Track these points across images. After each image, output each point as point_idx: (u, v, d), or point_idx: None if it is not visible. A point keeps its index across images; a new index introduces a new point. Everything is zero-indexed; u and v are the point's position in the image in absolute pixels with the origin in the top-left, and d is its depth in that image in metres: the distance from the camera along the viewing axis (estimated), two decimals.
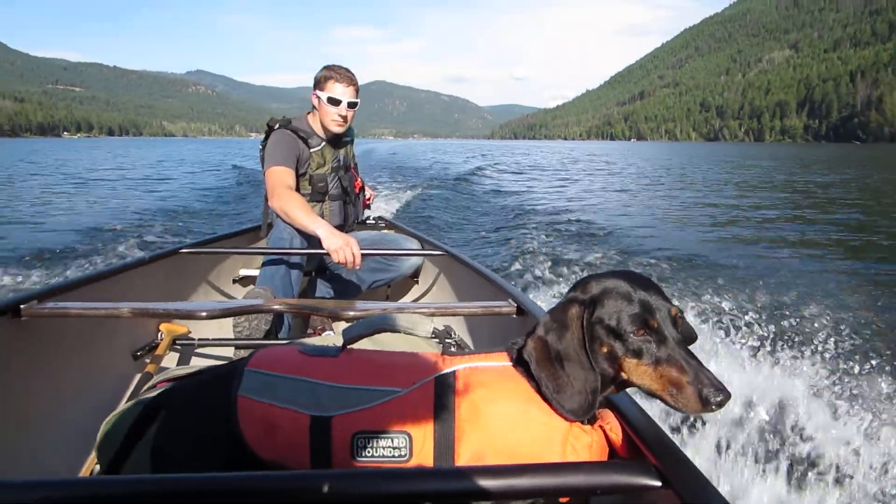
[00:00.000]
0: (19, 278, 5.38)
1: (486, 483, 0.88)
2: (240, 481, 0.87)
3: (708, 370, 0.95)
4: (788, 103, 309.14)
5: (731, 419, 2.63)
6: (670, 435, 1.04)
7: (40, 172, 24.31)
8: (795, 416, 2.64)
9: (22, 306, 1.88)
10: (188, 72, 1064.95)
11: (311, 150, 3.04)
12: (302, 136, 3.01)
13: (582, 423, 1.05)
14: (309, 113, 3.15)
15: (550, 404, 1.03)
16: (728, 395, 0.92)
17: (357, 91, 3.05)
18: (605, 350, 1.02)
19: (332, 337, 1.92)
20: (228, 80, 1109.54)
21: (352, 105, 3.02)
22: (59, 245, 7.10)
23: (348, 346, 1.19)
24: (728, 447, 2.51)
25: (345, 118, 3.02)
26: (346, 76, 3.00)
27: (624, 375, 1.02)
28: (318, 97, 3.02)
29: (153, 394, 1.22)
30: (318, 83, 3.02)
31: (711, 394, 0.91)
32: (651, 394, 1.00)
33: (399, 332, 1.20)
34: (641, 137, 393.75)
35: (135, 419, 1.15)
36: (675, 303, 1.05)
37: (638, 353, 0.99)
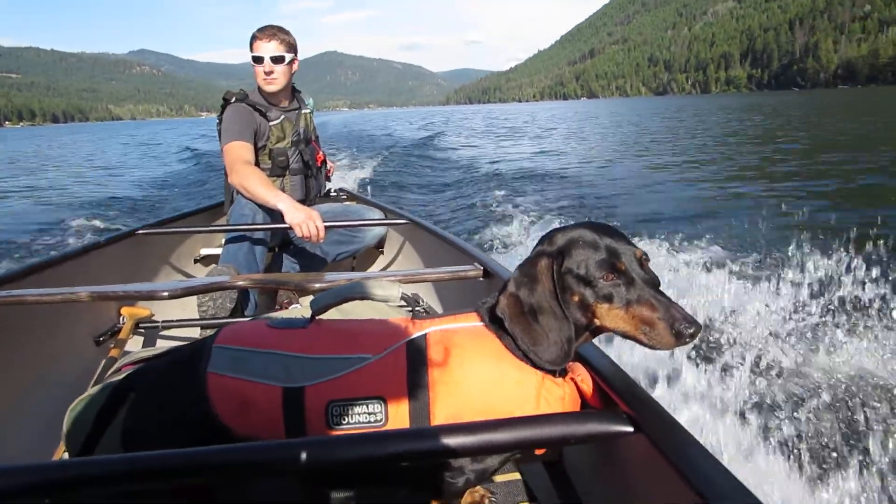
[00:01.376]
0: None
1: (463, 440, 0.89)
2: (218, 454, 0.86)
3: (678, 305, 0.97)
4: (732, 54, 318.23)
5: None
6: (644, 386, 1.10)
7: None
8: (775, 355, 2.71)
9: None
10: (131, 52, 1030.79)
11: (271, 123, 2.95)
12: (259, 109, 2.92)
13: (554, 375, 1.07)
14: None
15: (523, 360, 1.06)
16: (699, 327, 0.95)
17: (285, 45, 2.95)
18: (576, 299, 1.03)
19: (299, 310, 1.93)
20: (174, 58, 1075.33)
21: (276, 59, 2.91)
22: (9, 236, 6.94)
23: (317, 318, 1.18)
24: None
25: (271, 73, 2.92)
26: (268, 32, 2.93)
27: (597, 322, 1.03)
28: (251, 60, 2.96)
29: (119, 377, 1.21)
30: (250, 47, 2.96)
31: (683, 327, 0.93)
32: (625, 335, 1.01)
33: (367, 298, 1.19)
34: (593, 95, 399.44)
35: (102, 404, 1.14)
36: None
37: (608, 298, 1.00)
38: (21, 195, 12.27)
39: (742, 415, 2.42)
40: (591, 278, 1.01)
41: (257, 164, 2.90)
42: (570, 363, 1.12)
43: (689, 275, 3.80)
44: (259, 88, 2.99)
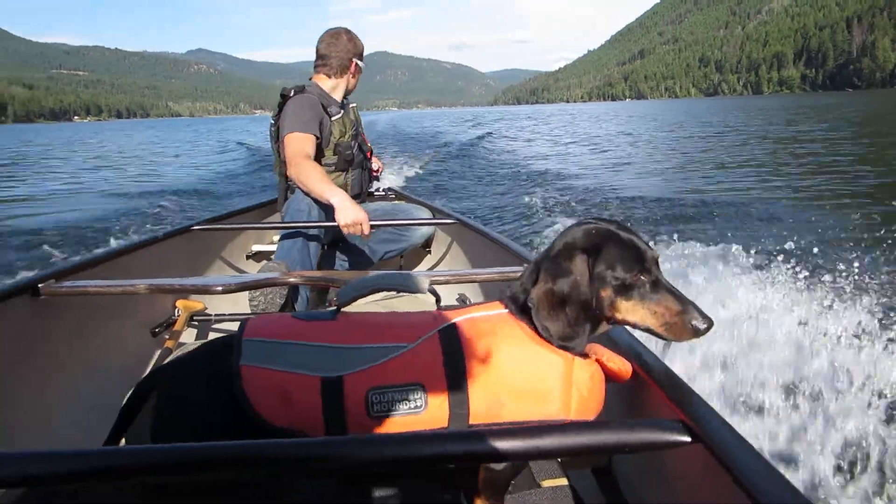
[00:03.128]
0: (37, 259, 5.49)
1: (512, 445, 0.88)
2: (266, 448, 0.86)
3: (693, 302, 1.07)
4: (786, 54, 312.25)
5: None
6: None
7: (53, 157, 25.35)
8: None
9: (40, 285, 1.89)
10: (189, 51, 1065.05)
11: (333, 118, 2.96)
12: (322, 102, 2.93)
13: (574, 355, 1.11)
14: (315, 78, 3.06)
15: (549, 342, 1.10)
16: (711, 322, 1.04)
17: None
18: (605, 293, 1.09)
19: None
20: (229, 57, 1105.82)
21: None
22: (75, 226, 7.19)
23: (343, 310, 1.19)
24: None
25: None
26: None
27: (618, 315, 1.10)
28: (357, 64, 3.08)
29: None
30: (361, 52, 3.09)
31: (699, 322, 1.04)
32: (646, 329, 1.09)
33: (393, 290, 1.20)
34: (641, 96, 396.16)
35: (137, 395, 1.14)
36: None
37: (637, 296, 1.08)
38: (86, 188, 12.67)
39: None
40: (623, 276, 1.08)
41: (320, 158, 2.91)
42: (589, 345, 1.18)
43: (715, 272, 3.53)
44: (327, 86, 3.02)
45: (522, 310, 1.14)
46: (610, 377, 1.17)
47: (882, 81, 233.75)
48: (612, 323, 1.14)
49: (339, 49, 3.02)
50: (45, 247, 6.05)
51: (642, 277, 1.08)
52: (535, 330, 1.11)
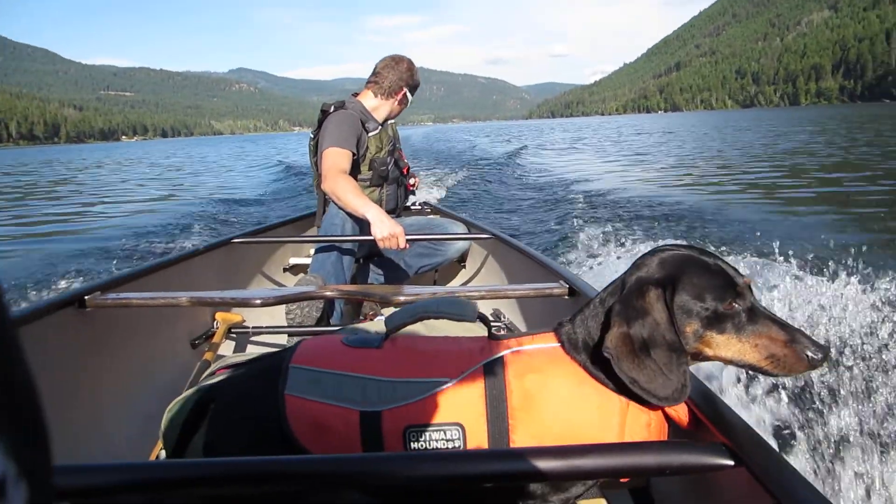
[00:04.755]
0: (83, 271, 5.60)
1: (550, 464, 0.86)
2: (298, 464, 0.87)
3: (801, 330, 0.95)
4: (823, 66, 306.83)
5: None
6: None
7: (97, 176, 25.63)
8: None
9: (86, 297, 1.94)
10: (230, 70, 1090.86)
11: (370, 133, 2.99)
12: (361, 118, 2.96)
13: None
14: (361, 94, 3.12)
15: (605, 384, 1.02)
16: (827, 351, 0.92)
17: None
18: (690, 329, 0.98)
19: (382, 322, 1.71)
20: (269, 75, 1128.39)
21: None
22: (118, 240, 7.28)
23: (392, 335, 1.17)
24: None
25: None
26: None
27: (709, 352, 0.99)
28: (406, 96, 3.16)
29: (211, 381, 1.26)
30: (415, 86, 3.21)
31: (812, 352, 0.91)
32: (746, 365, 0.97)
33: (441, 318, 1.17)
34: (677, 108, 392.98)
35: (191, 409, 1.19)
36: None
37: (731, 328, 0.96)
38: (129, 203, 13.08)
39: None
40: (710, 308, 0.96)
41: (355, 174, 2.92)
42: None
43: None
44: (369, 105, 3.06)
45: (577, 348, 1.06)
46: (672, 423, 1.08)
47: None
48: (701, 360, 1.04)
49: (396, 73, 3.12)
50: (93, 260, 6.21)
51: (735, 305, 0.96)
52: (585, 367, 1.04)
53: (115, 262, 6.05)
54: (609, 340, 0.99)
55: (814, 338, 0.93)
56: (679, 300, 0.98)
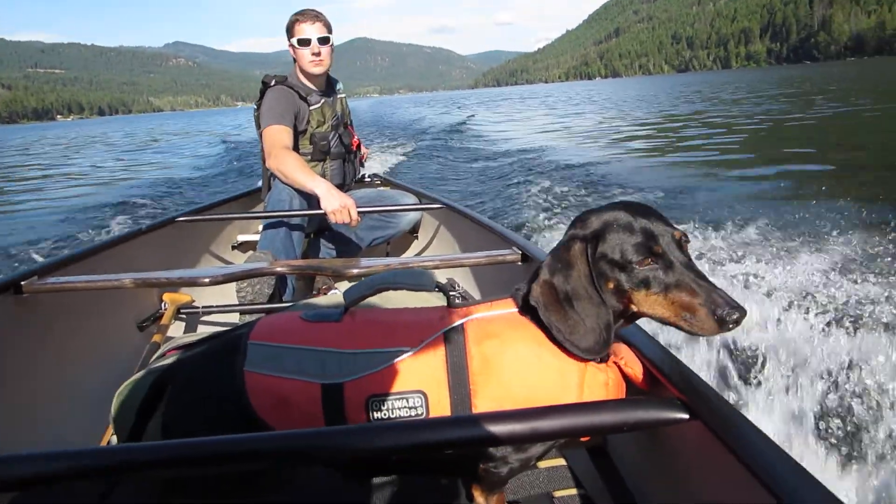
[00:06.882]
0: (20, 257, 5.46)
1: (510, 427, 0.87)
2: (263, 441, 0.86)
3: (720, 289, 0.91)
4: (752, 29, 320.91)
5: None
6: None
7: (30, 155, 25.35)
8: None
9: (23, 283, 1.87)
10: (166, 44, 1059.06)
11: (311, 107, 2.91)
12: (300, 92, 2.89)
13: (596, 361, 1.04)
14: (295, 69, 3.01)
15: (562, 347, 1.01)
16: (744, 312, 0.89)
17: (327, 27, 2.94)
18: (611, 285, 0.99)
19: (337, 295, 1.72)
20: (208, 49, 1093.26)
21: (323, 41, 2.90)
22: (55, 223, 7.10)
23: (350, 309, 1.16)
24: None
25: (318, 55, 2.90)
26: (311, 14, 2.92)
27: (634, 308, 0.99)
28: (292, 45, 2.93)
29: (163, 363, 1.23)
30: (289, 31, 2.93)
31: (726, 313, 0.87)
32: (664, 322, 0.96)
33: (400, 289, 1.16)
34: (616, 74, 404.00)
35: (146, 392, 1.16)
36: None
37: (646, 283, 0.96)
38: (64, 184, 12.67)
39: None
40: (627, 263, 0.96)
41: (297, 148, 2.87)
42: (614, 345, 1.08)
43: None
44: (301, 72, 2.96)
45: (526, 308, 1.07)
46: (630, 382, 1.09)
47: (837, 54, 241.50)
48: (631, 317, 1.03)
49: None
50: (27, 247, 5.96)
51: (654, 263, 0.95)
52: (544, 330, 1.03)
53: (49, 243, 6.09)
54: (534, 289, 1.02)
55: (731, 297, 0.90)
56: (599, 255, 0.99)
